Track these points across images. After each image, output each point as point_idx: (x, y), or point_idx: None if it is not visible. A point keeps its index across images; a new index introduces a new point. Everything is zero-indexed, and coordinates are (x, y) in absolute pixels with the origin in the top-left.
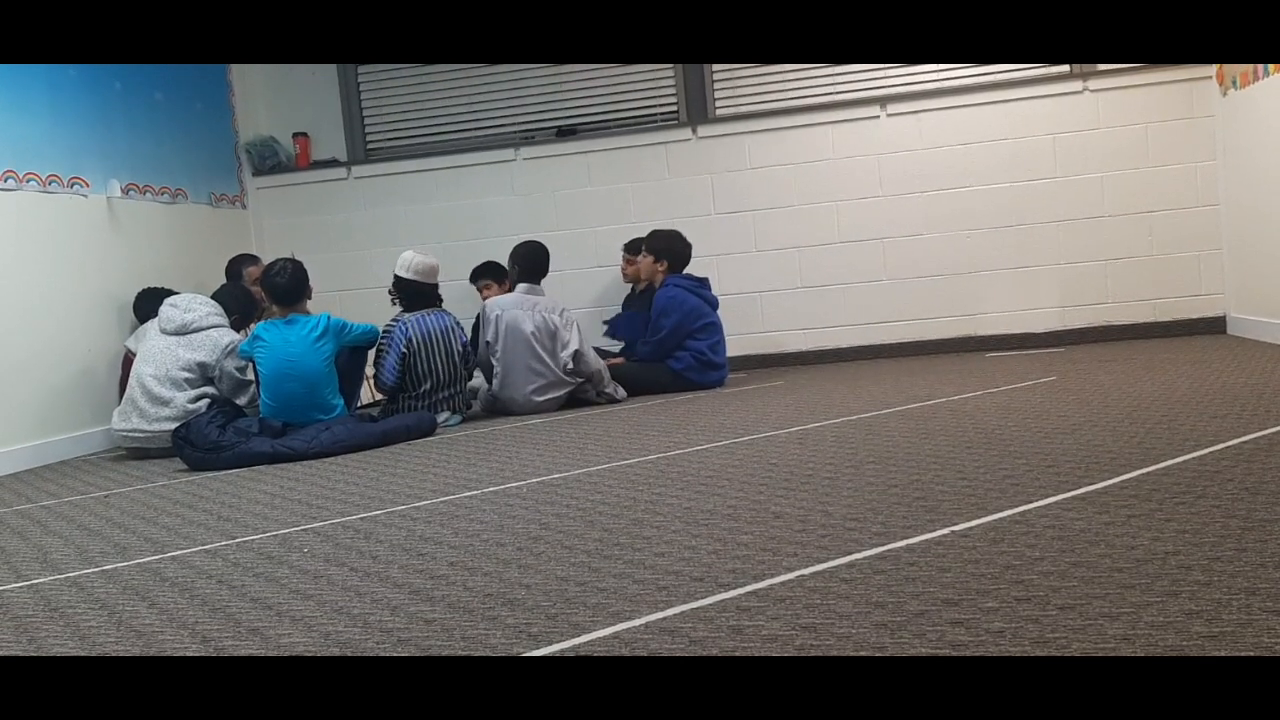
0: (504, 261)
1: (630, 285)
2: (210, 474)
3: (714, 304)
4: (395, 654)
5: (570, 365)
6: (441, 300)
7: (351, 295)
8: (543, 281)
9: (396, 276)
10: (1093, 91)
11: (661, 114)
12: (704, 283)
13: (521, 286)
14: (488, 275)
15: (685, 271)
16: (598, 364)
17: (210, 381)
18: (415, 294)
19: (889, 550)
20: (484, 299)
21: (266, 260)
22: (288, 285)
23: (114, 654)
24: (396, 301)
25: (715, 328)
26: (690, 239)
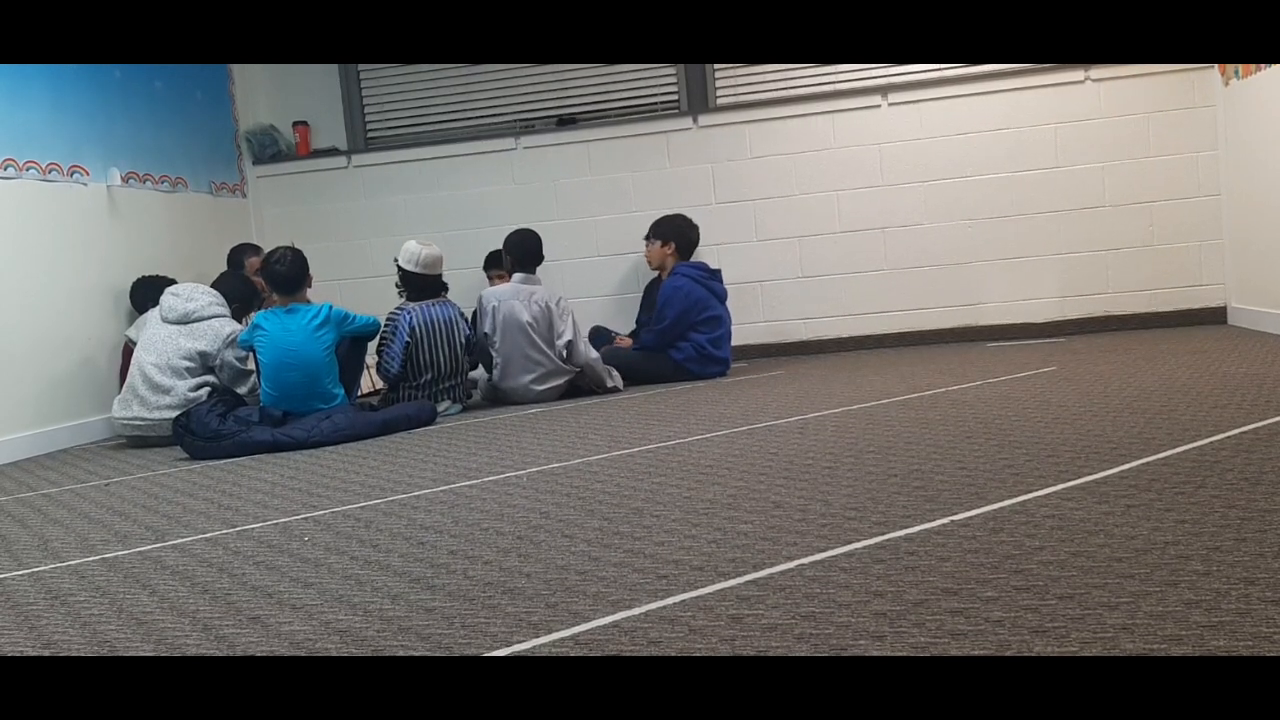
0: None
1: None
2: (211, 462)
3: (722, 296)
4: (396, 641)
5: (565, 354)
6: (447, 289)
7: (351, 284)
8: (542, 270)
9: (401, 269)
10: (1094, 81)
11: (662, 103)
12: (715, 274)
13: (517, 276)
14: (502, 264)
15: (700, 260)
16: (590, 355)
17: (211, 371)
18: (420, 286)
19: (889, 539)
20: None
21: (268, 250)
22: (288, 274)
23: (114, 641)
24: (402, 292)
25: (720, 321)
26: None
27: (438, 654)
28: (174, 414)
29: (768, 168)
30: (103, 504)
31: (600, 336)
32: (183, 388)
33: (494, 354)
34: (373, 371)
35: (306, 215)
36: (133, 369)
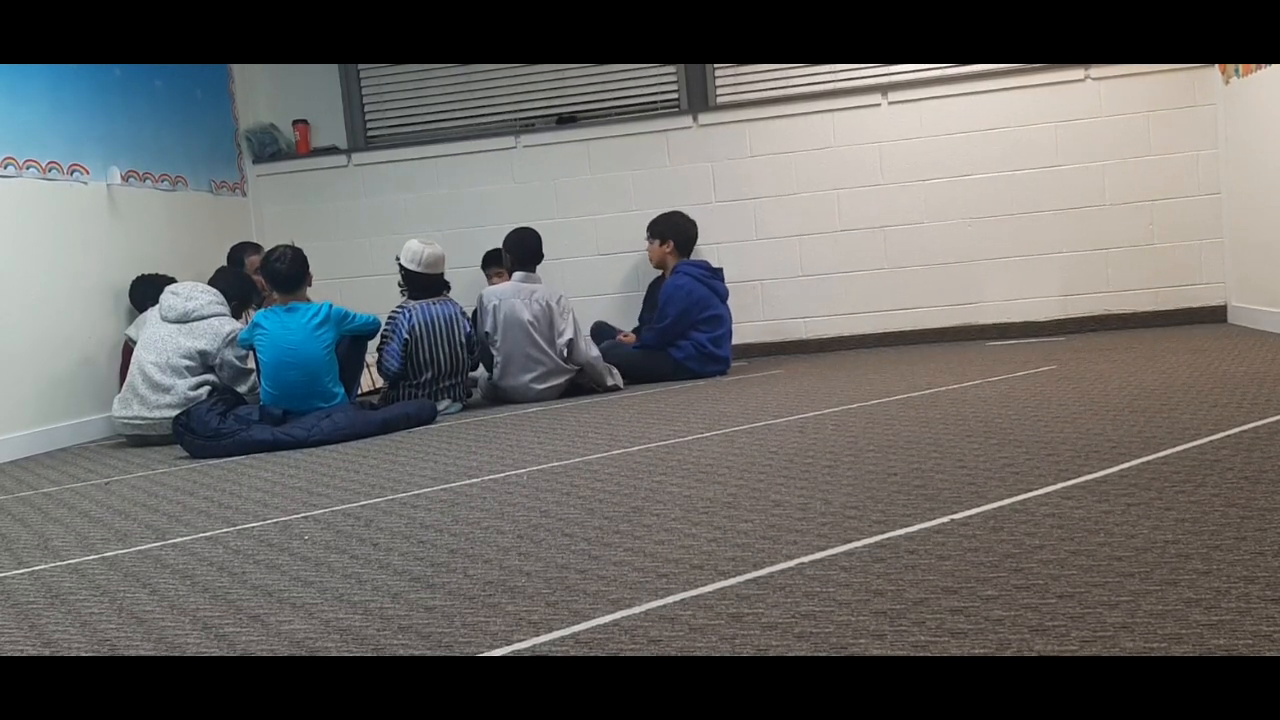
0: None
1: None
2: (211, 461)
3: (724, 295)
4: (396, 640)
5: (565, 353)
6: (449, 287)
7: (351, 283)
8: (542, 269)
9: (403, 268)
10: (1095, 80)
11: (662, 102)
12: (717, 273)
13: (517, 275)
14: (499, 263)
15: (701, 258)
16: (590, 354)
17: (211, 369)
18: (423, 285)
19: (889, 538)
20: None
21: (268, 248)
22: (288, 272)
23: (114, 640)
24: (404, 291)
25: (721, 320)
26: None
27: (438, 652)
28: (174, 413)
29: (767, 166)
30: (103, 502)
31: (603, 331)
32: (183, 386)
33: (494, 353)
34: (373, 370)
35: (306, 214)
36: (133, 368)
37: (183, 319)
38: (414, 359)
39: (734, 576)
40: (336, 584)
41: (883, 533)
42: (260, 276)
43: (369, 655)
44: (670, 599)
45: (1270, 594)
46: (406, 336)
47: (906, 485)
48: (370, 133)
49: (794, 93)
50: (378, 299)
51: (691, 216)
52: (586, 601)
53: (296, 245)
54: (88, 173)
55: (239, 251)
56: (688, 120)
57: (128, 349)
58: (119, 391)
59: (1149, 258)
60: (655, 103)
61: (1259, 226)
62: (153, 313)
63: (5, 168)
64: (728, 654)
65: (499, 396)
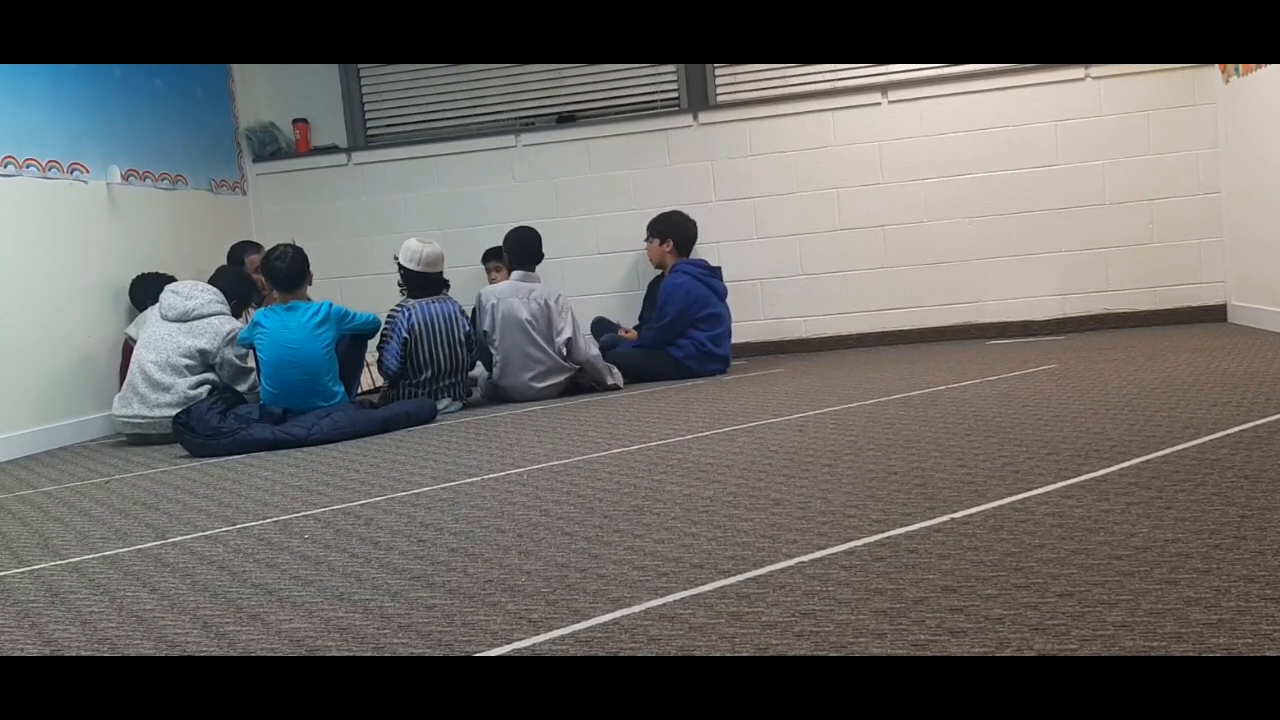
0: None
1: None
2: (211, 460)
3: (722, 294)
4: (396, 639)
5: (564, 352)
6: (448, 286)
7: (351, 282)
8: (541, 268)
9: (402, 267)
10: (1095, 79)
11: (662, 100)
12: (715, 271)
13: (516, 274)
14: (499, 258)
15: (700, 258)
16: (590, 352)
17: (211, 368)
18: (421, 284)
19: (889, 537)
20: (493, 281)
21: (268, 247)
22: (289, 271)
23: (114, 639)
24: (404, 290)
25: (720, 319)
26: None
27: (438, 651)
28: (174, 411)
29: (768, 165)
30: (103, 501)
31: (603, 325)
32: (183, 385)
33: (493, 352)
34: (373, 369)
35: (306, 213)
36: (133, 367)
37: (183, 318)
38: (413, 358)
39: (734, 575)
40: (336, 583)
41: (882, 532)
42: (260, 275)
43: (369, 654)
44: (670, 598)
45: (1270, 593)
46: (406, 335)
47: (906, 484)
48: (370, 132)
49: (793, 92)
50: (377, 298)
51: (691, 216)
52: (586, 600)
53: (297, 244)
54: (88, 172)
55: (239, 250)
56: (687, 119)
57: (128, 348)
58: (119, 390)
59: (1148, 257)
60: (655, 101)
61: (1259, 226)
62: (153, 311)
63: (5, 167)
64: (728, 653)
65: (498, 395)
